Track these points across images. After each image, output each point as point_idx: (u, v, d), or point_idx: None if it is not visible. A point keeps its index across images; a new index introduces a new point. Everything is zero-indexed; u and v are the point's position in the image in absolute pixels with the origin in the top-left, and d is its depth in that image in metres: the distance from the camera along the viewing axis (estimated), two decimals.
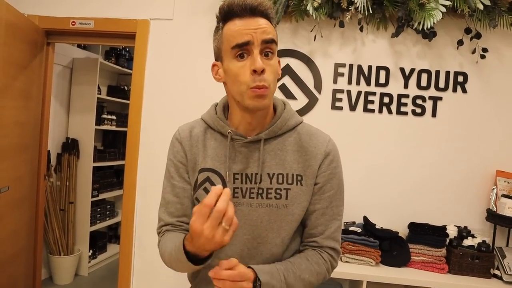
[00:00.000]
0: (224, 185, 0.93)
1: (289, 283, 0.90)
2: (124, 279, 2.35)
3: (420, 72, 2.15)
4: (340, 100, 2.19)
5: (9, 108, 2.18)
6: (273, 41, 0.88)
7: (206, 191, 0.95)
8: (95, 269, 3.53)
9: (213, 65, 0.96)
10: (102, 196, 3.57)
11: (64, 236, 3.15)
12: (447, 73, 2.14)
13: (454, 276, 1.94)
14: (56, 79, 3.09)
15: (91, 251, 3.44)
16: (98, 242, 3.60)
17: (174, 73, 2.31)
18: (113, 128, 3.74)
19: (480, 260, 1.95)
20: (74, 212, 3.27)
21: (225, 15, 0.89)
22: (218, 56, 0.95)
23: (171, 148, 1.03)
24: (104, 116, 3.61)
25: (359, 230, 2.02)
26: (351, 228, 2.04)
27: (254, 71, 0.85)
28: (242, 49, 0.86)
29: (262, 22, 0.87)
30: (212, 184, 0.95)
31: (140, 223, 2.33)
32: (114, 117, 3.74)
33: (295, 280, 0.91)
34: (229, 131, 0.95)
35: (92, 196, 3.36)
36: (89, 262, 3.40)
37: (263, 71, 0.85)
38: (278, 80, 0.98)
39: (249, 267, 0.86)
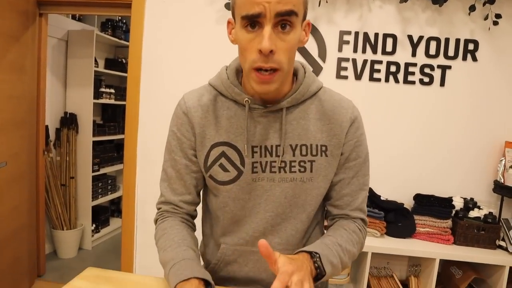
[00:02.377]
0: (242, 160, 0.86)
1: (341, 257, 0.83)
2: (127, 252, 2.36)
3: (429, 39, 2.07)
4: (346, 69, 2.12)
5: (1, 82, 2.11)
6: (292, 13, 0.72)
7: (223, 168, 0.87)
8: (98, 243, 3.55)
9: (228, 22, 0.84)
10: (103, 170, 3.54)
11: (66, 211, 3.15)
12: (457, 40, 2.05)
13: (459, 247, 1.93)
14: (51, 52, 3.00)
15: (94, 226, 3.45)
16: (101, 216, 3.60)
17: (172, 42, 2.23)
18: (112, 101, 3.67)
19: (486, 232, 1.93)
20: (75, 187, 3.25)
21: None
22: (233, 14, 0.81)
23: (175, 118, 0.91)
24: (102, 89, 3.53)
25: None
26: None
27: (261, 51, 0.72)
28: (252, 21, 0.73)
29: None
30: (229, 159, 0.87)
31: (142, 196, 2.31)
32: (112, 91, 3.66)
33: (343, 252, 0.84)
34: (247, 99, 0.84)
35: (93, 171, 3.33)
36: (92, 236, 3.42)
37: (272, 51, 0.72)
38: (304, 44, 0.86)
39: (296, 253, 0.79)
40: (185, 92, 0.94)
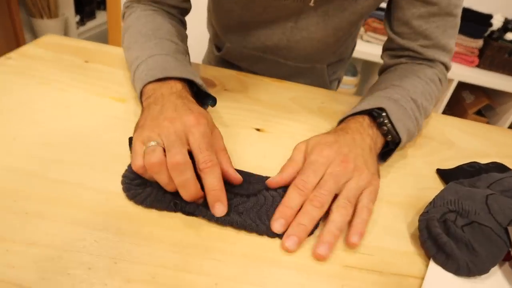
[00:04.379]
0: None
1: (417, 118, 0.51)
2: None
3: None
4: None
5: None
6: None
7: None
8: (85, 37, 3.28)
9: None
10: None
11: None
12: None
13: (482, 71, 1.76)
14: None
15: (78, 17, 3.12)
16: (85, 7, 3.24)
17: None
18: None
19: None
20: None
21: None
22: None
23: None
24: None
25: None
26: None
27: None
28: None
29: None
30: None
31: None
32: None
33: (419, 112, 0.52)
34: None
35: None
36: (78, 28, 3.13)
37: None
38: None
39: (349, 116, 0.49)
40: None
